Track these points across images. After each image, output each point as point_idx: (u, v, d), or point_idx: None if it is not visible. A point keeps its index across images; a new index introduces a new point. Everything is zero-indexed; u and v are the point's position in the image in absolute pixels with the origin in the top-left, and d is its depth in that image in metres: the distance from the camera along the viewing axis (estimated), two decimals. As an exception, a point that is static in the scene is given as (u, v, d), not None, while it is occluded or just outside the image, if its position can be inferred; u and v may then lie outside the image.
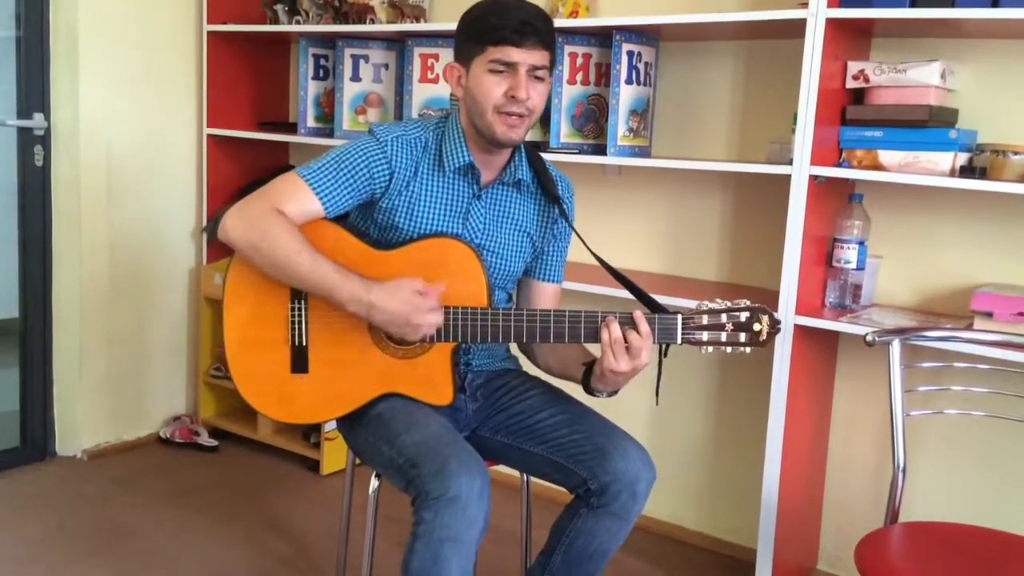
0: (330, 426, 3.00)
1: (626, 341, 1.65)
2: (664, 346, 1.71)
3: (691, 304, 1.72)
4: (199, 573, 2.44)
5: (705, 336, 1.68)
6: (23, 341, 3.09)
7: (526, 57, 1.68)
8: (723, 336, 1.68)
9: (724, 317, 1.67)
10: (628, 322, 1.66)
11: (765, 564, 2.30)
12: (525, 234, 1.89)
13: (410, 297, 1.65)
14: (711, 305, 1.68)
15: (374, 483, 1.85)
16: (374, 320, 1.67)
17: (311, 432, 3.16)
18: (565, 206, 1.90)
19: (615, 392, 1.77)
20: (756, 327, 1.67)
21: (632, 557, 2.63)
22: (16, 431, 3.10)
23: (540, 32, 1.69)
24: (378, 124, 1.81)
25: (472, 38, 1.72)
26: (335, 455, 3.09)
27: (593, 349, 1.77)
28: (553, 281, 1.97)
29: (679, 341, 1.68)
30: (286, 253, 1.65)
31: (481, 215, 1.84)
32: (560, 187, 1.90)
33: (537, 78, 1.72)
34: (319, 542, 2.64)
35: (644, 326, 1.65)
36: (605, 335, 1.65)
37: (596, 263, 1.84)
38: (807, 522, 2.50)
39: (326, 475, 3.09)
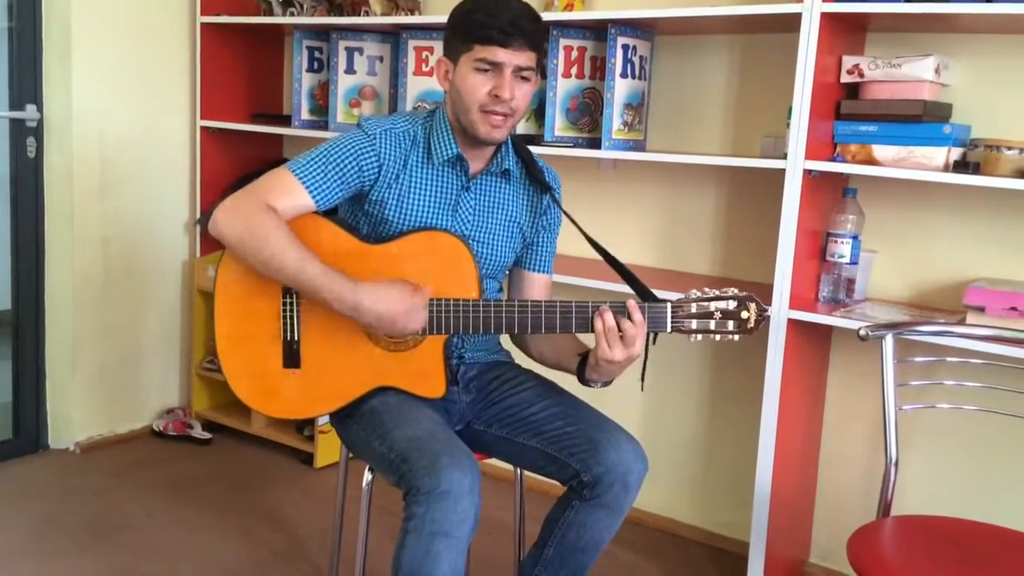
0: (324, 419, 3.00)
1: (620, 330, 1.66)
2: (653, 334, 1.72)
3: (682, 296, 1.73)
4: (192, 566, 2.44)
5: (694, 324, 1.69)
6: (16, 333, 3.08)
7: (512, 58, 1.69)
8: (712, 324, 1.69)
9: (712, 305, 1.69)
10: (622, 311, 1.67)
11: (758, 557, 2.30)
12: (515, 224, 1.89)
13: (404, 296, 1.66)
14: (700, 293, 1.69)
15: (368, 476, 1.85)
16: (360, 321, 1.68)
17: (305, 425, 3.16)
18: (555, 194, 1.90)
19: (609, 382, 1.77)
20: (744, 315, 1.69)
21: (625, 550, 2.64)
22: (9, 423, 3.09)
23: (527, 33, 1.69)
24: (366, 117, 1.82)
25: (460, 35, 1.72)
26: (329, 448, 3.09)
27: (585, 339, 1.77)
28: (543, 271, 1.97)
29: (668, 329, 1.69)
30: (273, 251, 1.64)
31: (470, 206, 1.84)
32: (548, 178, 1.91)
33: (523, 78, 1.73)
34: (313, 535, 2.64)
35: (638, 315, 1.66)
36: (599, 324, 1.66)
37: (588, 256, 1.84)
38: (800, 515, 2.51)
39: (320, 468, 3.09)
